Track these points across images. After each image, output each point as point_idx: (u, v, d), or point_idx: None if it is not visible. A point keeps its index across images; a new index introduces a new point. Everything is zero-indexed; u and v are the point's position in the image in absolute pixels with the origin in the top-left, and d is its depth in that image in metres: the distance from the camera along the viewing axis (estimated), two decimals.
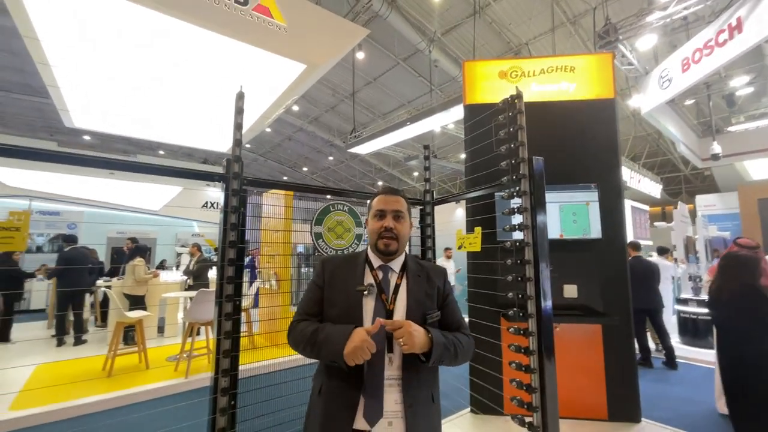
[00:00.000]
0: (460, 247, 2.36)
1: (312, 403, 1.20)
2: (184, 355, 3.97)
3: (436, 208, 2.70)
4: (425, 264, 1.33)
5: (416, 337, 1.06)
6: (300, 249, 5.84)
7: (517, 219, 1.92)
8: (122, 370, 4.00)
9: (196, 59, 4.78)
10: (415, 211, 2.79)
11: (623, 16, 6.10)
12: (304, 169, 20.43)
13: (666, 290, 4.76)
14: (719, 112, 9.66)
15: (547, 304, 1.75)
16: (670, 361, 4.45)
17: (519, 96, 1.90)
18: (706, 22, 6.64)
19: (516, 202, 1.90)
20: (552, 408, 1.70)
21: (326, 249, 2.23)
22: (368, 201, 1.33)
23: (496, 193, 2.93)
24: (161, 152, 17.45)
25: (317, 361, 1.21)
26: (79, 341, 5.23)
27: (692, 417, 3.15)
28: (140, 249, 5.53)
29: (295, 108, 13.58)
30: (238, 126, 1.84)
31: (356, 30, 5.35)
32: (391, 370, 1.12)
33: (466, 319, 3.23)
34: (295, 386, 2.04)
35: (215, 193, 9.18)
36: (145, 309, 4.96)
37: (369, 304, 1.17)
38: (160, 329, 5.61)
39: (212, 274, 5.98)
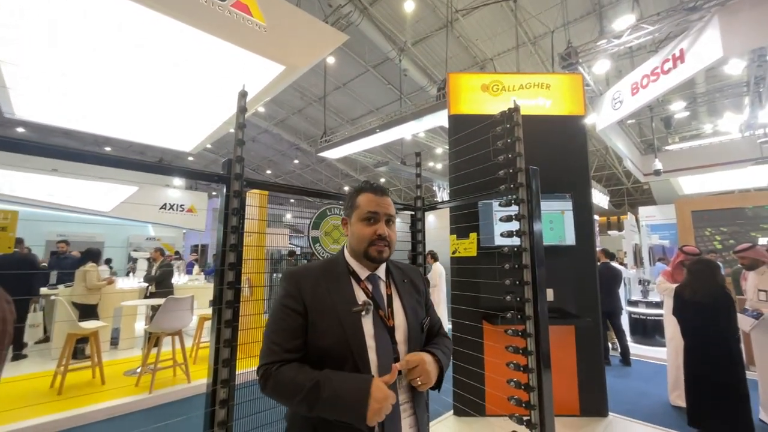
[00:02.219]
0: (454, 252, 2.42)
1: None
2: (148, 368, 3.67)
3: (403, 215, 2.75)
4: (403, 266, 1.22)
5: (431, 371, 0.98)
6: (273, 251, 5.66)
7: (512, 225, 2.01)
8: (74, 388, 3.61)
9: (163, 52, 4.51)
10: (405, 216, 2.83)
11: (578, 42, 6.64)
12: (268, 171, 19.85)
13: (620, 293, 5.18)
14: (657, 132, 10.77)
15: (544, 306, 1.85)
16: (625, 358, 4.85)
17: (516, 109, 2.01)
18: (648, 51, 7.45)
19: (513, 209, 2.00)
20: (548, 405, 1.80)
21: (323, 253, 2.19)
22: (350, 198, 1.13)
23: (480, 202, 3.07)
24: (108, 148, 16.15)
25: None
26: (19, 356, 4.64)
27: (649, 409, 3.45)
28: (92, 253, 5.05)
29: (261, 109, 13.22)
30: (240, 125, 1.77)
31: (336, 34, 5.34)
32: (402, 393, 1.01)
33: (448, 323, 3.29)
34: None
35: (175, 194, 8.63)
36: (97, 319, 4.54)
37: (368, 325, 1.00)
38: (114, 341, 5.14)
39: (176, 279, 5.60)
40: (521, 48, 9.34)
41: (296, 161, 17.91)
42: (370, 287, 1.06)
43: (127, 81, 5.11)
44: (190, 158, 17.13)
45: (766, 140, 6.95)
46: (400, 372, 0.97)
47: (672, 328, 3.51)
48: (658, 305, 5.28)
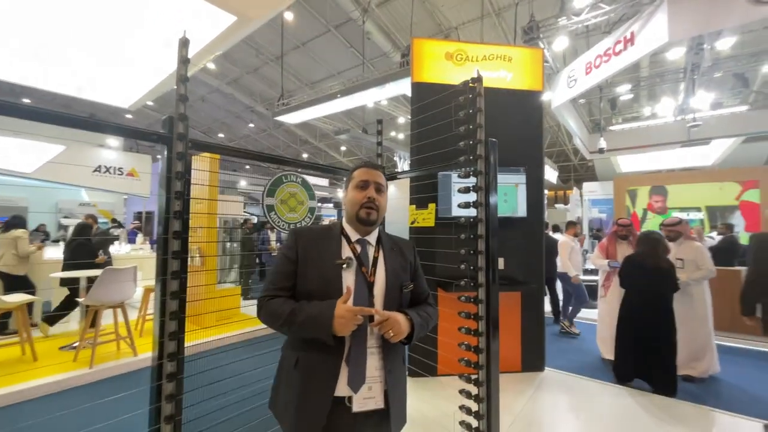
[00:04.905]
0: (413, 222, 2.44)
1: (285, 374, 1.20)
2: (87, 342, 3.43)
3: None
4: (397, 239, 1.39)
5: (402, 326, 1.13)
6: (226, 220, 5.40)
7: (470, 197, 2.05)
8: (0, 365, 3.30)
9: None
10: None
11: (540, 17, 6.70)
12: (220, 135, 18.59)
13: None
14: (603, 112, 11.45)
15: (496, 274, 1.94)
16: (557, 317, 5.42)
17: (479, 79, 1.99)
18: (602, 32, 7.70)
19: (471, 181, 2.03)
20: (495, 365, 1.93)
21: (279, 222, 2.10)
22: (348, 175, 1.32)
23: (440, 173, 3.10)
24: (26, 100, 14.10)
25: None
26: None
27: (581, 363, 3.86)
28: (20, 219, 4.53)
29: (211, 66, 12.11)
30: (182, 78, 1.58)
31: None
32: (372, 340, 1.16)
33: None
34: (231, 369, 1.99)
35: (111, 155, 7.80)
36: (33, 292, 4.16)
37: (349, 278, 1.17)
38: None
39: (114, 249, 5.17)
40: (486, 19, 9.27)
41: (251, 125, 16.89)
42: (358, 248, 1.23)
43: (50, 22, 4.38)
44: (128, 116, 15.48)
45: (694, 125, 7.64)
46: (371, 320, 1.12)
47: (611, 290, 3.88)
48: (594, 272, 5.82)
